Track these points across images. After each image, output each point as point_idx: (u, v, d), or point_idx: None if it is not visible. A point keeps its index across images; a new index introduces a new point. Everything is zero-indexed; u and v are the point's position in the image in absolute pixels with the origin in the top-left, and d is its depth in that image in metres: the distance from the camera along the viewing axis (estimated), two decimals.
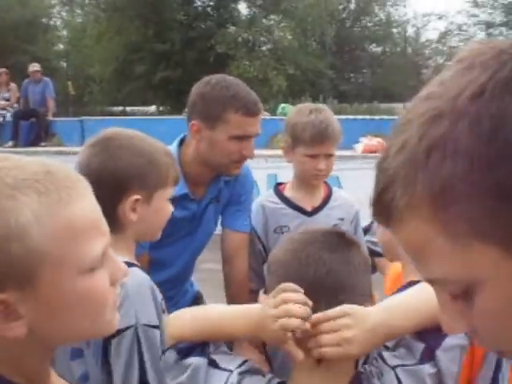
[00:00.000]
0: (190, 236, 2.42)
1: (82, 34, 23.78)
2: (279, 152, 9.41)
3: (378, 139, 9.37)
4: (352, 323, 1.21)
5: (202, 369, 1.27)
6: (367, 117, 11.19)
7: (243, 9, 23.33)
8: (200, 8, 22.90)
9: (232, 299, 2.53)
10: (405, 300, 1.30)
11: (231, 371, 1.26)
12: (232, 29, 21.31)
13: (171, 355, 1.33)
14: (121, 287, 1.49)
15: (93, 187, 0.94)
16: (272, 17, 21.89)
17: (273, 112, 13.58)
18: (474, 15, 23.94)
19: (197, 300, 2.63)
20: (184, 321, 1.40)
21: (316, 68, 22.72)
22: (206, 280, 6.65)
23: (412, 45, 27.88)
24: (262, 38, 21.74)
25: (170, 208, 1.76)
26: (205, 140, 2.23)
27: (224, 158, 2.24)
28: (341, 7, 27.02)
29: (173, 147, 2.31)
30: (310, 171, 2.52)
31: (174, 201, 2.13)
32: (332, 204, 2.65)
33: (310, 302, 1.22)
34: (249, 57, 20.67)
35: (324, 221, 2.54)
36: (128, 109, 22.06)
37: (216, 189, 2.43)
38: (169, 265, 2.39)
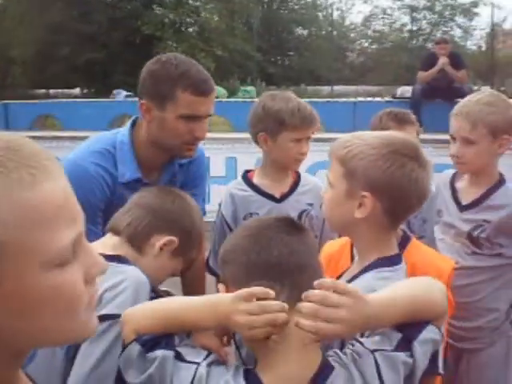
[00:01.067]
0: None
1: (3, 15, 22.92)
2: (211, 135, 9.34)
3: None
4: (353, 306, 1.21)
5: (169, 361, 1.26)
6: None
7: None
8: None
9: (189, 288, 2.52)
10: (401, 298, 1.31)
11: (198, 363, 1.26)
12: (158, 10, 21.01)
13: (135, 348, 1.29)
14: (123, 280, 1.54)
15: None
16: None
17: None
18: None
19: (152, 287, 2.61)
20: (145, 313, 1.37)
21: (243, 50, 22.71)
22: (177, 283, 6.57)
23: (337, 28, 28.18)
24: (188, 20, 21.54)
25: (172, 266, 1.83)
26: (155, 120, 2.17)
27: (175, 139, 2.17)
28: None
29: (124, 130, 2.27)
30: (294, 156, 2.55)
31: (127, 185, 2.14)
32: (301, 189, 2.66)
33: (286, 306, 1.23)
34: (176, 38, 20.46)
35: (293, 206, 2.57)
36: (51, 91, 21.46)
37: (170, 172, 2.38)
38: None
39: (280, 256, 1.28)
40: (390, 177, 1.51)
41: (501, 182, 2.46)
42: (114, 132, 2.32)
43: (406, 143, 1.56)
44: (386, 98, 11.42)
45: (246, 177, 2.69)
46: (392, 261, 1.57)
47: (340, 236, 2.09)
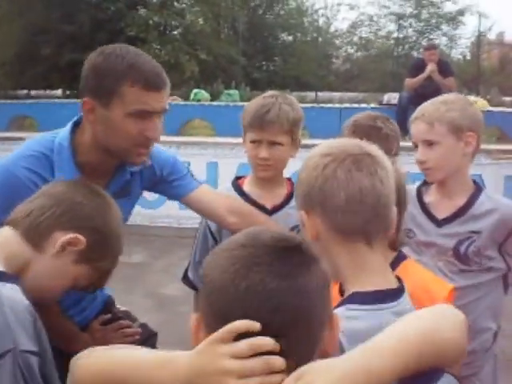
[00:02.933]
0: None
1: None
2: (192, 139, 9.21)
3: None
4: (315, 378, 0.97)
5: None
6: None
7: None
8: None
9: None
10: (388, 336, 1.07)
11: None
12: (143, 11, 20.82)
13: None
14: None
15: None
16: (184, 0, 21.48)
17: (185, 98, 13.31)
18: (386, 6, 24.42)
19: (107, 307, 2.35)
20: (89, 369, 1.14)
21: (228, 54, 22.59)
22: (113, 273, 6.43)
23: (322, 35, 28.14)
24: (173, 22, 21.37)
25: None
26: (99, 120, 1.89)
27: (123, 141, 1.89)
28: None
29: (64, 132, 2.00)
30: (255, 159, 2.33)
31: None
32: (294, 203, 2.44)
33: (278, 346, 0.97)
34: (160, 40, 20.30)
35: (284, 221, 2.33)
36: (33, 92, 21.17)
37: (121, 181, 2.10)
38: None
39: (260, 312, 0.99)
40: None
41: (479, 188, 2.30)
42: (54, 133, 2.03)
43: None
44: (372, 105, 11.30)
45: (236, 184, 2.49)
46: (366, 298, 1.30)
47: None
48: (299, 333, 1.00)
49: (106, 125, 1.89)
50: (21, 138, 7.64)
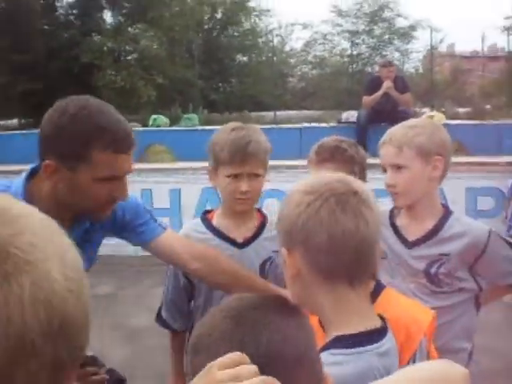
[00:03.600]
0: None
1: None
2: (153, 166, 9.15)
3: None
4: None
5: None
6: None
7: (108, 17, 22.73)
8: (62, 16, 22.03)
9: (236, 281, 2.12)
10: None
11: None
12: (97, 38, 20.67)
13: None
14: None
15: None
16: (138, 25, 21.41)
17: (144, 124, 13.22)
18: (339, 24, 24.67)
19: None
20: None
21: (184, 77, 22.54)
22: (102, 309, 6.31)
23: (277, 54, 28.33)
24: (128, 48, 21.27)
25: None
26: (64, 182, 1.80)
27: (90, 202, 1.83)
28: (207, 17, 27.01)
29: (18, 181, 1.89)
30: (234, 194, 2.28)
31: None
32: (267, 234, 2.40)
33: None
34: (115, 66, 20.13)
35: (257, 253, 2.31)
36: None
37: (80, 230, 2.01)
38: None
39: (270, 344, 1.00)
40: None
41: (448, 212, 2.32)
42: (6, 184, 1.93)
43: None
44: (332, 124, 11.38)
45: (205, 218, 2.44)
46: (348, 342, 1.29)
47: None
48: (304, 371, 1.01)
49: (71, 187, 1.79)
50: None
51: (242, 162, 2.24)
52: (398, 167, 2.24)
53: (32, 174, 1.93)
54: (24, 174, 1.93)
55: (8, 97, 19.56)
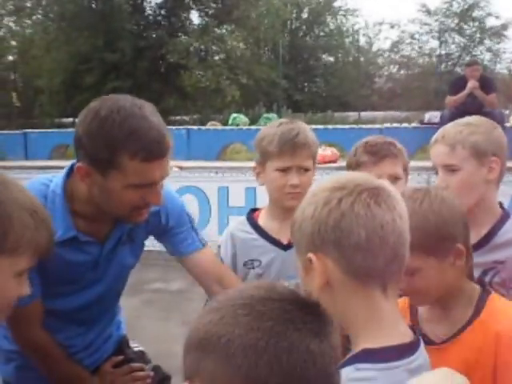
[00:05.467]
0: (96, 284, 2.02)
1: (30, 44, 23.19)
2: (231, 164, 9.15)
3: (332, 149, 9.19)
4: None
5: None
6: (321, 126, 10.98)
7: (195, 18, 23.18)
8: (151, 17, 22.61)
9: None
10: None
11: None
12: (184, 38, 21.05)
13: None
14: None
15: None
16: (224, 26, 21.66)
17: (225, 123, 13.33)
18: (427, 23, 24.16)
19: (121, 347, 2.26)
20: None
21: (269, 77, 22.66)
22: (152, 301, 6.40)
23: (364, 54, 28.02)
24: (214, 48, 21.54)
25: (18, 288, 1.39)
26: (97, 186, 1.74)
27: (122, 207, 1.77)
28: (293, 16, 27.02)
29: (58, 178, 1.86)
30: (283, 188, 2.20)
31: (63, 243, 1.75)
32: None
33: None
34: (201, 66, 20.46)
35: None
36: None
37: (125, 228, 1.98)
38: (70, 317, 2.03)
39: (300, 363, 0.89)
40: None
41: (506, 214, 2.13)
42: (49, 178, 1.88)
43: None
44: (414, 124, 11.11)
45: (251, 217, 2.36)
46: (378, 356, 1.17)
47: None
48: None
49: (104, 192, 1.74)
50: (62, 167, 7.73)
51: (292, 153, 2.16)
52: (451, 168, 2.08)
53: (70, 171, 1.88)
54: (64, 170, 1.89)
55: (97, 95, 20.10)
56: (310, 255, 1.21)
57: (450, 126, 2.10)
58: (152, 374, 2.14)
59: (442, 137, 2.07)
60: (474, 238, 2.13)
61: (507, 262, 2.06)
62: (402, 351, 1.19)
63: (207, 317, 0.96)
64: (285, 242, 2.24)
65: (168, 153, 1.72)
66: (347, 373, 1.08)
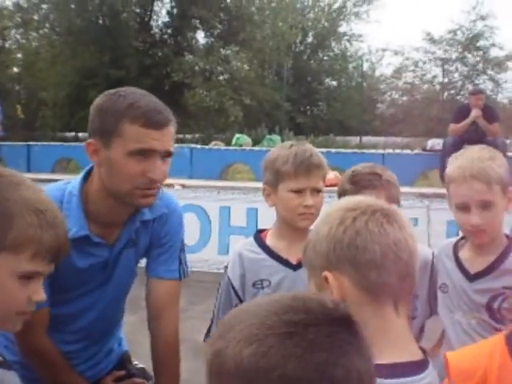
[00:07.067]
0: (102, 288, 2.06)
1: (36, 57, 23.34)
2: (233, 184, 9.15)
3: (335, 172, 9.21)
4: None
5: None
6: (323, 149, 11.03)
7: (201, 38, 23.32)
8: (157, 35, 22.77)
9: (159, 365, 2.13)
10: None
11: None
12: (189, 57, 21.19)
13: None
14: None
15: None
16: (230, 47, 21.81)
17: (228, 143, 13.38)
18: (431, 52, 24.31)
19: (123, 362, 2.26)
20: None
21: (272, 99, 22.77)
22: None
23: (367, 79, 28.16)
24: (218, 68, 21.66)
25: (24, 290, 1.36)
26: (103, 162, 1.86)
27: (126, 182, 1.84)
28: (298, 40, 27.22)
29: (75, 181, 1.97)
30: (297, 209, 2.21)
31: (74, 242, 1.76)
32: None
33: None
34: (205, 86, 20.57)
35: None
36: (80, 134, 21.60)
37: (131, 230, 2.04)
38: (74, 323, 2.06)
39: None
40: None
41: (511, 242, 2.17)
42: (66, 182, 2.00)
43: None
44: (416, 151, 11.16)
45: (259, 237, 2.37)
46: (389, 372, 1.17)
47: None
48: None
49: (109, 166, 1.84)
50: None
51: (307, 174, 2.18)
52: (487, 205, 2.09)
53: (88, 174, 1.98)
54: (81, 174, 1.98)
55: None
56: (326, 273, 1.24)
57: (479, 162, 2.07)
58: None
59: (478, 173, 2.05)
60: (482, 265, 2.16)
61: None
62: (412, 368, 1.21)
63: (244, 345, 0.91)
64: (294, 261, 2.24)
65: (166, 126, 1.83)
66: None
